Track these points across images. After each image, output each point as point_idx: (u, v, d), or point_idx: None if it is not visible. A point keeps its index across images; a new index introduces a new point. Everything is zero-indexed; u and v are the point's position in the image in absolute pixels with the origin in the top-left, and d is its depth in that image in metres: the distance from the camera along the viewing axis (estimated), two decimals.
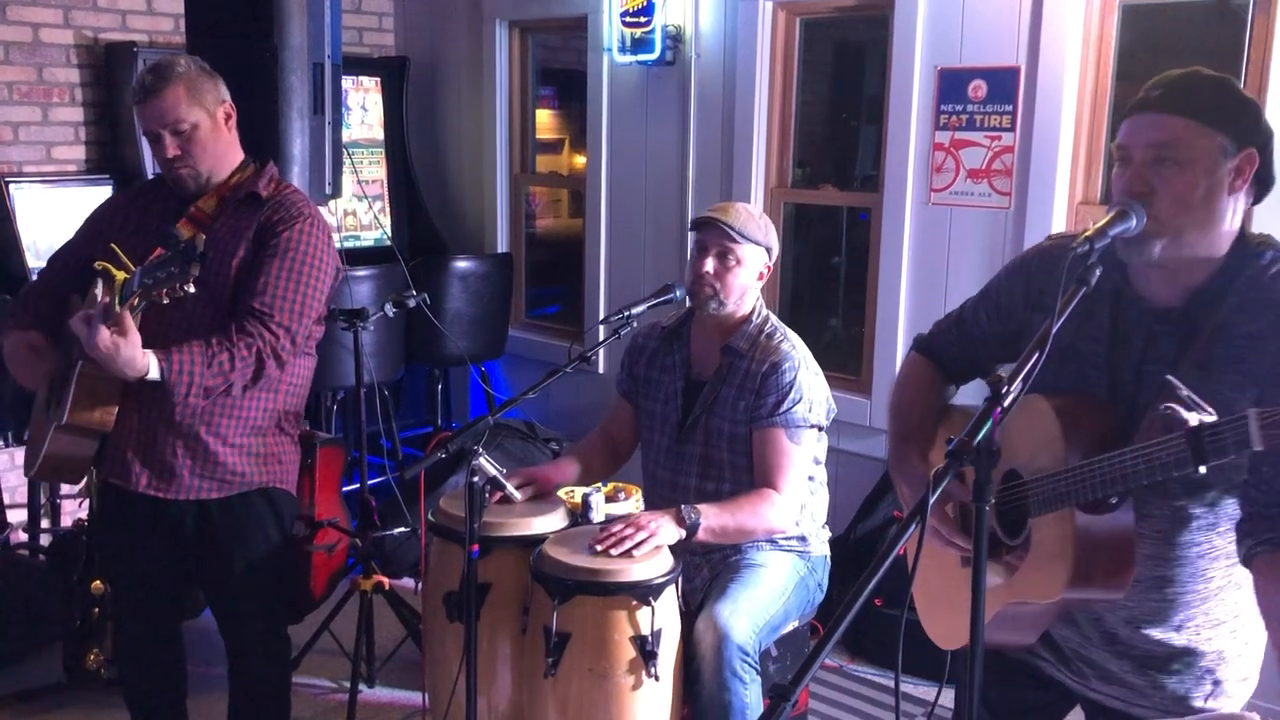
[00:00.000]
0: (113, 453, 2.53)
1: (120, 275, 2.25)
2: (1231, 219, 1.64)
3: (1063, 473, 1.61)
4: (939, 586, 1.97)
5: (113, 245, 2.35)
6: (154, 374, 2.28)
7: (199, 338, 2.38)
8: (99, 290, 2.30)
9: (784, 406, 2.64)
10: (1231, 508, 1.66)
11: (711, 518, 2.55)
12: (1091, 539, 1.61)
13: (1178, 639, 1.73)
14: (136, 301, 2.21)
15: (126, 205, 2.66)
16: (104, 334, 2.18)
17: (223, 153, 2.54)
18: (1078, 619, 1.78)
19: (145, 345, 2.27)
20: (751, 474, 2.69)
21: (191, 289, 2.17)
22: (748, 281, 2.72)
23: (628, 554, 2.42)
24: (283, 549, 2.69)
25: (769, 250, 2.74)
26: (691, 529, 2.52)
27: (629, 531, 2.46)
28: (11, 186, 4.25)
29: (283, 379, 2.58)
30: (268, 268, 2.45)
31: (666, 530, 2.49)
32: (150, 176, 3.89)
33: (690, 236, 2.80)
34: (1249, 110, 1.63)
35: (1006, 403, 1.43)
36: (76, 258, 2.63)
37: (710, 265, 2.68)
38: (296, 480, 2.74)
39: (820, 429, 2.73)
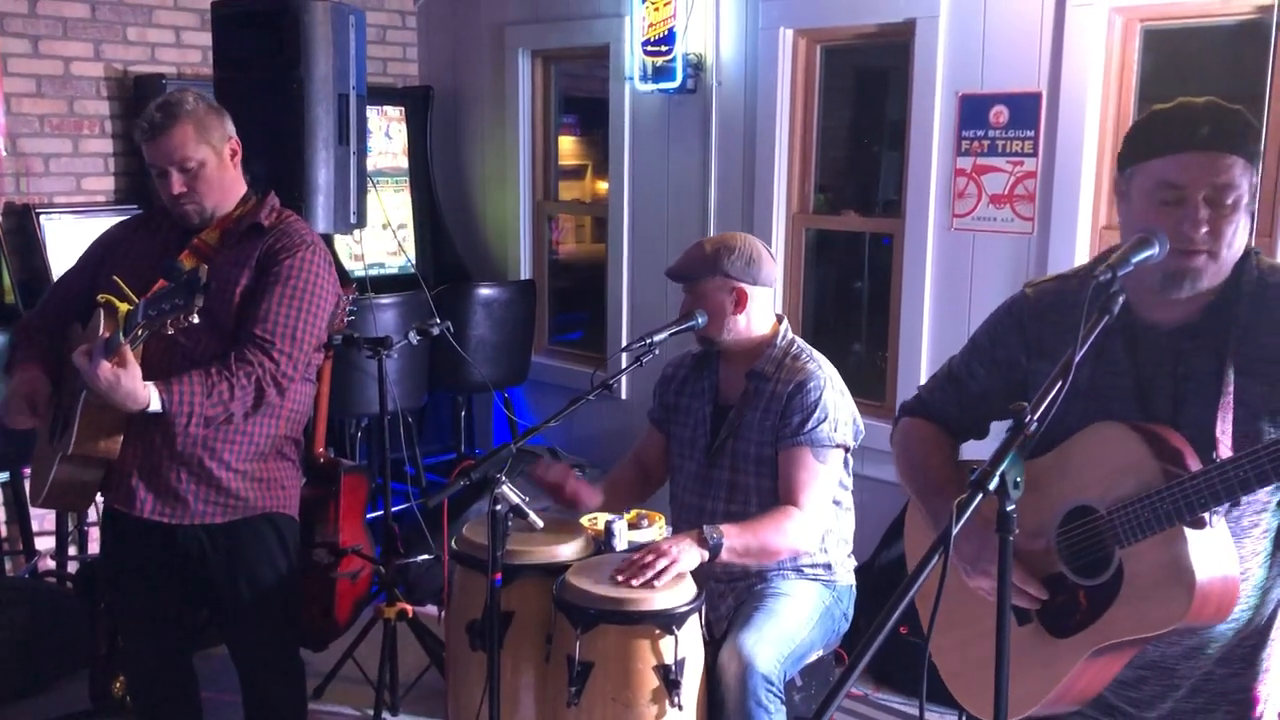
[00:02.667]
0: (118, 480, 2.55)
1: (124, 307, 2.26)
2: None
3: (1166, 490, 1.56)
4: (988, 651, 1.74)
5: (116, 278, 2.37)
6: (155, 406, 2.30)
7: (202, 366, 2.40)
8: (101, 323, 2.32)
9: (809, 425, 2.63)
10: None
11: (734, 537, 2.53)
12: (1205, 560, 1.57)
13: (1236, 662, 1.72)
14: (140, 333, 2.23)
15: (129, 235, 2.69)
16: (104, 368, 2.21)
17: (228, 187, 2.57)
18: (1132, 659, 1.73)
19: (151, 374, 2.30)
20: (777, 497, 2.68)
21: (196, 320, 2.18)
22: (719, 310, 2.73)
23: (650, 584, 2.41)
24: (289, 574, 2.71)
25: (727, 274, 2.72)
26: (714, 550, 2.50)
27: (650, 559, 2.45)
28: (42, 217, 4.31)
29: (283, 405, 2.60)
30: (270, 294, 2.48)
31: (689, 555, 2.48)
32: None
33: None
34: (1259, 138, 1.66)
35: (1029, 431, 1.42)
36: (78, 286, 2.66)
37: (686, 301, 2.78)
38: (300, 503, 2.76)
39: (847, 449, 2.73)
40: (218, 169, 2.53)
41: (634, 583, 2.41)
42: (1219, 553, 1.59)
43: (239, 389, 2.39)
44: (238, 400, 2.40)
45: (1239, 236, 1.62)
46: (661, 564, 2.43)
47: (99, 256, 2.68)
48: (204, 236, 2.55)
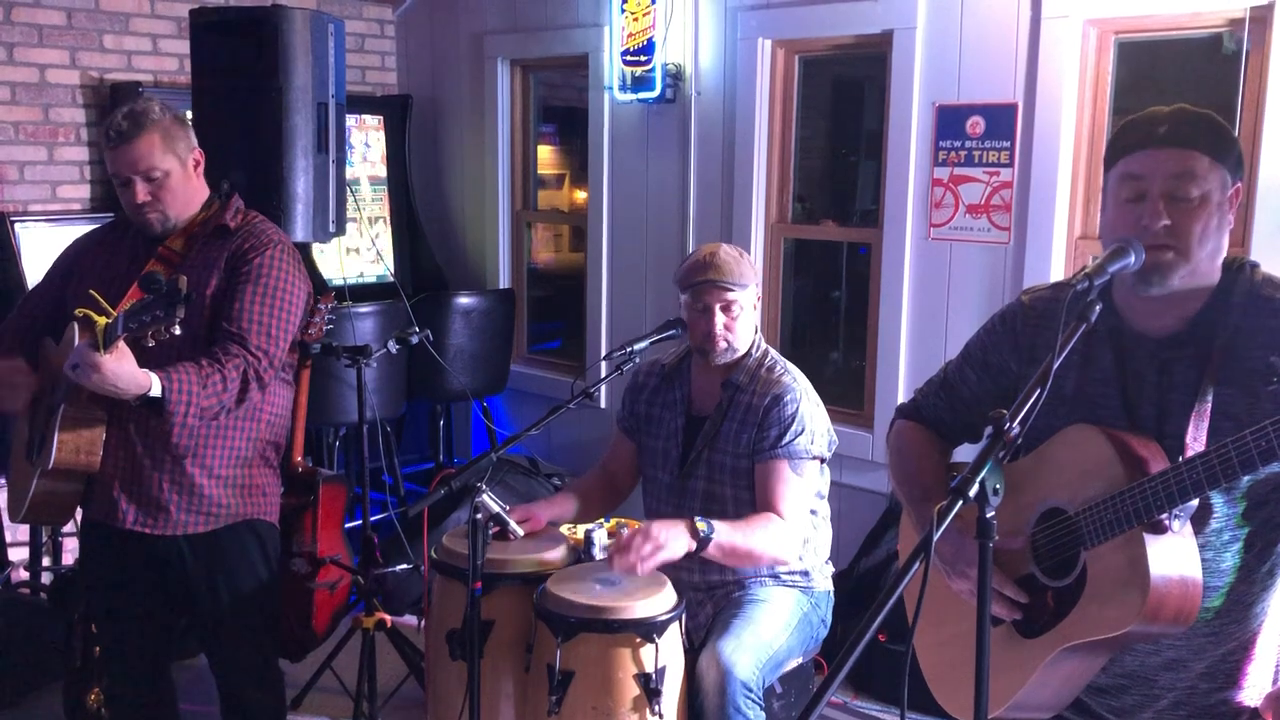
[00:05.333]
0: (99, 492, 2.53)
1: (101, 320, 2.24)
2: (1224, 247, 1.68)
3: (1127, 491, 1.58)
4: (964, 652, 1.72)
5: (92, 292, 2.34)
6: (155, 390, 2.28)
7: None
8: (75, 336, 2.29)
9: (786, 438, 2.65)
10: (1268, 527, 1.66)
11: (724, 535, 2.52)
12: (1163, 562, 1.58)
13: (1221, 678, 1.72)
14: (121, 346, 2.21)
15: (95, 245, 2.68)
16: (107, 358, 2.18)
17: (191, 197, 2.57)
18: (1110, 667, 1.74)
19: None
20: (754, 508, 2.68)
21: (177, 331, 2.18)
22: (752, 320, 2.76)
23: (635, 565, 2.40)
24: (269, 581, 2.69)
25: (756, 284, 2.77)
26: (703, 542, 2.49)
27: (639, 540, 2.43)
28: (17, 225, 4.27)
29: (263, 408, 2.59)
30: (241, 294, 2.47)
31: (677, 542, 2.45)
32: None
33: (682, 296, 2.77)
34: (1238, 146, 1.67)
35: (1009, 437, 1.44)
36: (49, 299, 2.64)
37: (720, 323, 2.70)
38: (279, 512, 2.74)
39: (822, 460, 2.74)
40: (182, 179, 2.53)
41: (620, 562, 2.40)
42: (1179, 558, 1.59)
43: (229, 381, 2.38)
44: (229, 393, 2.39)
45: (1211, 237, 1.62)
46: (648, 549, 2.42)
47: (65, 270, 2.66)
48: (170, 244, 2.54)
